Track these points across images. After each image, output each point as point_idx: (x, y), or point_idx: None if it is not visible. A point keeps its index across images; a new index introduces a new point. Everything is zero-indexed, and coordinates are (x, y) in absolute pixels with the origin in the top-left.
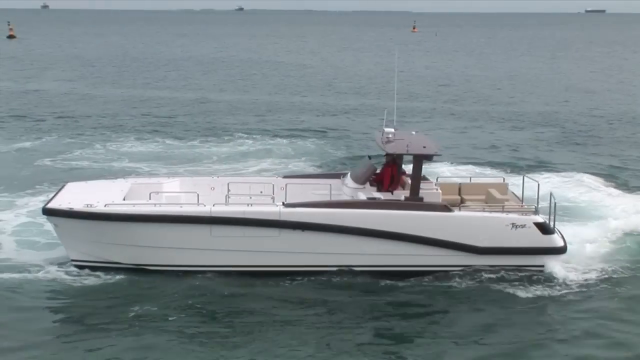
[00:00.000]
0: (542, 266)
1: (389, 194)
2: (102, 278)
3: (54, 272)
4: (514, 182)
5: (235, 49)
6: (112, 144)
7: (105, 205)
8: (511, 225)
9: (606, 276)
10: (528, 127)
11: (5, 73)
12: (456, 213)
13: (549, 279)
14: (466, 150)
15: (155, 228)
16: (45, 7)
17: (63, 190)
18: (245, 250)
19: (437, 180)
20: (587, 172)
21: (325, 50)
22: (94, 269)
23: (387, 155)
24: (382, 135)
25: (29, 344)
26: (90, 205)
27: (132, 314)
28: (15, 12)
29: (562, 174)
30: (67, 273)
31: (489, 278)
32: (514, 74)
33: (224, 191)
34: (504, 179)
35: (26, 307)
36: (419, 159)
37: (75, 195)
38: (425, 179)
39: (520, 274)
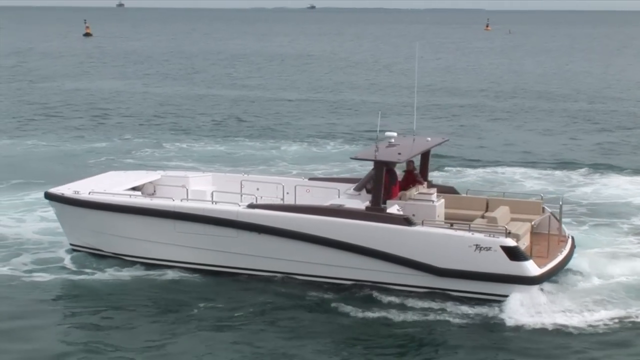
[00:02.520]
0: (506, 297)
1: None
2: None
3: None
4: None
5: (298, 47)
6: (182, 143)
7: (89, 193)
8: (475, 247)
9: (579, 326)
10: (614, 129)
11: (80, 70)
12: (416, 228)
13: (499, 316)
14: (542, 152)
15: (125, 219)
16: (120, 5)
17: (90, 177)
18: (206, 249)
19: (467, 192)
20: None
21: (397, 50)
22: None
23: (376, 162)
24: (374, 140)
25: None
26: (77, 192)
27: (189, 312)
28: (92, 10)
29: None
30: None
31: (439, 303)
32: (595, 74)
33: (236, 188)
34: (542, 197)
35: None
36: (379, 166)
37: (91, 182)
38: (453, 190)
39: (476, 304)
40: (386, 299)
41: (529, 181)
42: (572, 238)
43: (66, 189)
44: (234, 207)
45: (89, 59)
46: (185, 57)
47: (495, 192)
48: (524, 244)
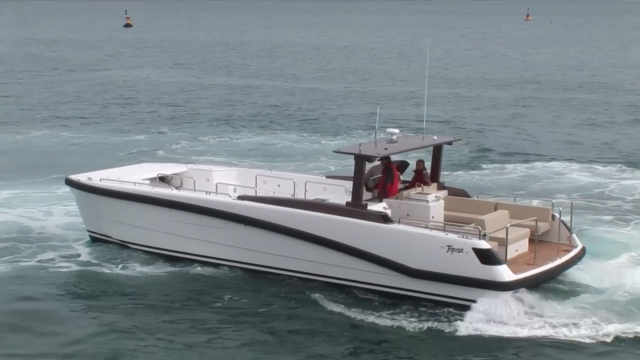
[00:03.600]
0: (475, 302)
1: (377, 199)
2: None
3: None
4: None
5: (339, 37)
6: (224, 136)
7: (99, 180)
8: (447, 248)
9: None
10: None
11: (118, 61)
12: (391, 226)
13: (459, 322)
14: (586, 145)
15: (127, 206)
16: None
17: (121, 167)
18: (198, 239)
19: (477, 196)
20: None
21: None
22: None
23: (381, 160)
24: (374, 136)
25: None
26: (90, 179)
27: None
28: (132, 1)
29: None
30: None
31: (408, 305)
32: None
33: (251, 183)
34: (552, 203)
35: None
36: (358, 160)
37: (116, 171)
38: (463, 193)
39: (443, 308)
40: (348, 298)
41: (572, 175)
42: (582, 248)
43: (83, 176)
44: (224, 197)
45: (128, 49)
46: (226, 47)
47: (510, 195)
48: (516, 250)
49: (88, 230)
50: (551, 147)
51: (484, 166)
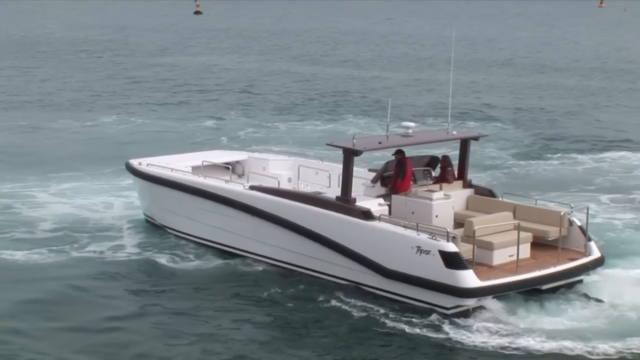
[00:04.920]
0: (444, 307)
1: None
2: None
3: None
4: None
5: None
6: (291, 123)
7: (146, 165)
8: (416, 249)
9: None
10: None
11: (187, 47)
12: (371, 223)
13: (411, 329)
14: None
15: (163, 191)
16: None
17: (185, 153)
18: (216, 227)
19: (502, 196)
20: None
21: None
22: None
23: (395, 154)
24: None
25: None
26: (140, 163)
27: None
28: None
29: None
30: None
31: (380, 306)
32: None
33: (312, 175)
34: (571, 206)
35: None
36: (346, 154)
37: (172, 157)
38: (489, 192)
39: (410, 312)
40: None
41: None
42: (599, 258)
43: (139, 161)
44: (238, 187)
45: (195, 36)
46: (294, 34)
47: (535, 198)
48: (509, 255)
49: (143, 213)
50: (626, 136)
51: (551, 156)
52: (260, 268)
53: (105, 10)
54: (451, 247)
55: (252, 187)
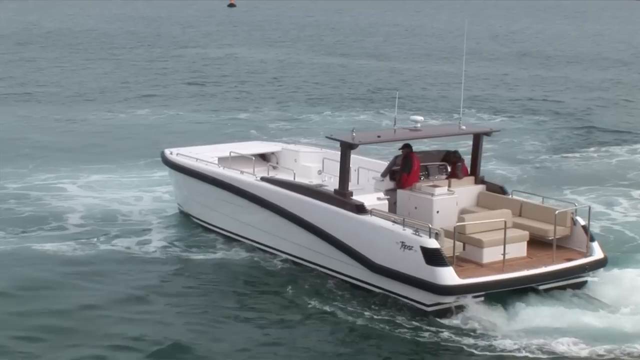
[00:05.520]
0: (424, 304)
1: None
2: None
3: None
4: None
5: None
6: (322, 115)
7: (175, 154)
8: (401, 244)
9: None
10: None
11: (219, 39)
12: (362, 217)
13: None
14: None
15: (188, 181)
16: None
17: (224, 144)
18: (230, 217)
19: (512, 193)
20: None
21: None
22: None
23: (402, 148)
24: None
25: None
26: (171, 153)
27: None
28: None
29: None
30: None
31: (365, 302)
32: None
33: (328, 164)
34: (575, 205)
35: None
36: (343, 147)
37: (207, 147)
38: (499, 189)
39: (395, 309)
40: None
41: None
42: (601, 259)
43: (169, 150)
44: (249, 178)
45: (228, 28)
46: (325, 27)
47: (542, 196)
48: (501, 254)
49: (176, 202)
50: None
51: (585, 150)
52: (280, 265)
53: (136, 3)
54: (432, 244)
55: (262, 179)
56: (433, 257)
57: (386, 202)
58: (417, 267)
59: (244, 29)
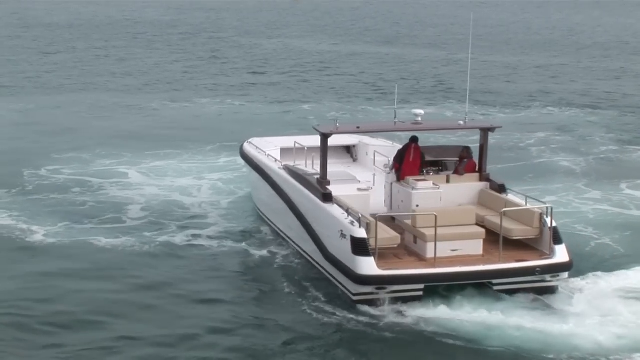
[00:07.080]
0: (351, 293)
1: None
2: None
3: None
4: None
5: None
6: (385, 108)
7: (247, 143)
8: (340, 233)
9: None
10: None
11: (282, 31)
12: (325, 205)
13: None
14: None
15: (255, 178)
16: None
17: (304, 136)
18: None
19: (507, 192)
20: None
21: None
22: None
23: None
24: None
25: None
26: (249, 142)
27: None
28: None
29: None
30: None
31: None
32: None
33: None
34: (547, 208)
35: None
36: (322, 137)
37: (275, 139)
38: (499, 188)
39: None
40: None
41: None
42: (564, 263)
43: (247, 141)
44: (275, 165)
45: (291, 20)
46: (394, 22)
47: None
48: (452, 250)
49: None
50: None
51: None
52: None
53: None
54: (360, 233)
55: (284, 167)
56: (358, 247)
57: (368, 193)
58: (346, 256)
59: (306, 21)
